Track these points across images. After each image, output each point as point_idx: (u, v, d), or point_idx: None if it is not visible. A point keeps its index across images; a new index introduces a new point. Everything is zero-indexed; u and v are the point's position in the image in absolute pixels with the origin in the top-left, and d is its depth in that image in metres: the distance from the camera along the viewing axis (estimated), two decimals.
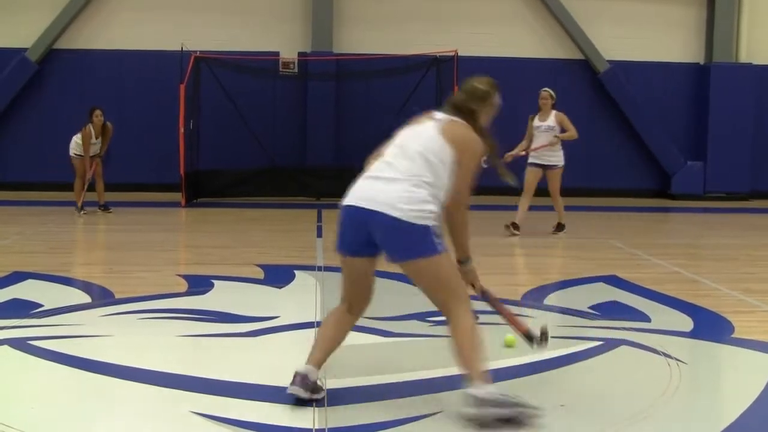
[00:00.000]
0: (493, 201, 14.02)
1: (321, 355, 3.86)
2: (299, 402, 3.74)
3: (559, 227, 9.99)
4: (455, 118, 3.86)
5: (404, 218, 3.57)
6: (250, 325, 5.22)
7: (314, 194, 13.69)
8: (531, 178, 9.99)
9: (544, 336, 4.14)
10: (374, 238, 3.67)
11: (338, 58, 14.65)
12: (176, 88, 12.60)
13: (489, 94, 3.94)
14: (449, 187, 3.71)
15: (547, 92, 10.11)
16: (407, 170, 3.68)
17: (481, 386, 3.51)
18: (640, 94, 15.20)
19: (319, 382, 3.84)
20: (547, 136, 9.93)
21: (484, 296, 4.13)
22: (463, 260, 3.95)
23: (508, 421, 3.48)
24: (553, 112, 10.00)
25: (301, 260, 7.69)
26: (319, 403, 3.78)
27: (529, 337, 4.14)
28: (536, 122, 10.04)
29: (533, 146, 10.01)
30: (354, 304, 3.93)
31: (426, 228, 3.60)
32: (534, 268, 7.64)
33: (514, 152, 10.01)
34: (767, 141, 15.46)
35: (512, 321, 4.19)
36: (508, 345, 4.81)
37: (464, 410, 3.53)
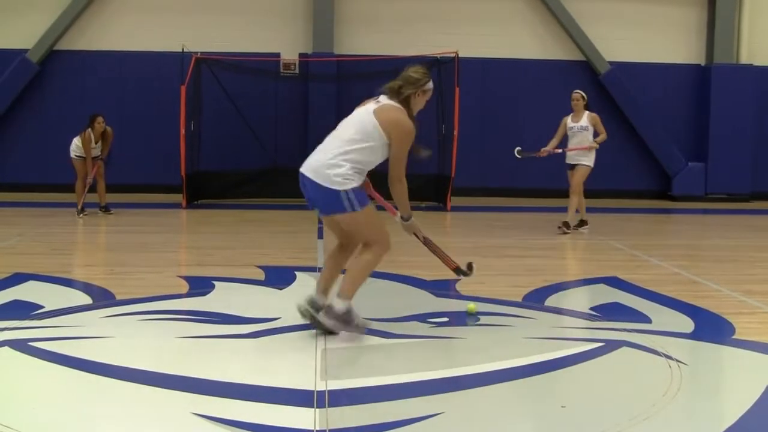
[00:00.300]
0: (493, 203, 14.05)
1: (325, 284, 5.05)
2: (300, 402, 3.74)
3: (566, 225, 10.05)
4: (392, 102, 4.75)
5: (321, 182, 4.65)
6: (251, 327, 5.22)
7: None
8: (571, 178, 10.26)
9: (469, 267, 5.29)
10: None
11: (339, 59, 14.65)
12: (177, 90, 12.61)
13: (421, 81, 4.76)
14: (386, 159, 4.72)
15: (578, 93, 10.26)
16: (334, 145, 4.70)
17: (343, 302, 4.71)
18: (641, 95, 15.21)
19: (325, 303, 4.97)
20: (580, 135, 10.09)
21: (426, 242, 5.21)
22: (405, 217, 4.95)
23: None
24: (586, 112, 10.10)
25: (302, 262, 7.69)
26: (320, 404, 3.78)
27: (458, 271, 5.31)
28: (569, 122, 10.20)
29: (569, 146, 10.17)
30: (343, 244, 5.07)
31: (337, 192, 4.62)
32: (535, 270, 7.64)
33: (548, 148, 10.25)
34: None
35: (444, 260, 5.33)
36: (471, 311, 5.63)
37: (322, 317, 4.71)
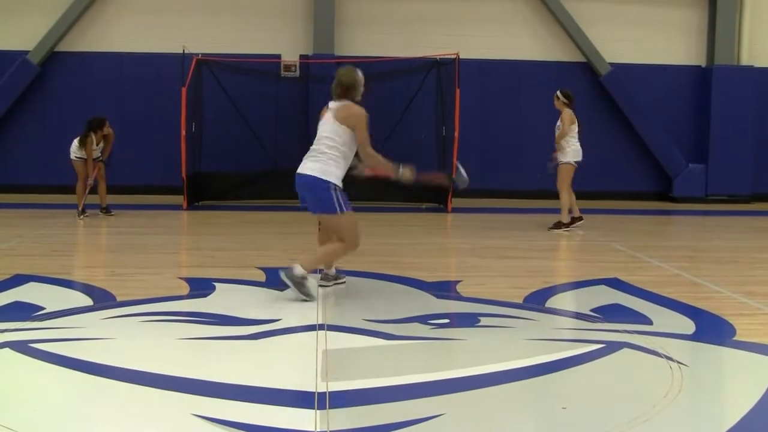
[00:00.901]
0: (493, 204, 14.05)
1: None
2: (302, 403, 3.75)
3: (572, 220, 10.35)
4: (342, 101, 6.20)
5: (317, 175, 5.90)
6: (252, 328, 5.22)
7: None
8: None
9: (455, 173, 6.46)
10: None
11: (340, 60, 14.62)
12: (178, 91, 12.61)
13: (356, 79, 6.34)
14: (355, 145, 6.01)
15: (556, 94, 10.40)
16: (317, 150, 6.03)
17: (302, 270, 5.84)
18: (642, 96, 15.19)
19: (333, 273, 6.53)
20: (557, 134, 10.35)
21: (418, 178, 6.20)
22: (397, 173, 6.10)
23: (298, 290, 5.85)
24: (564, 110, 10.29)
25: None
26: (321, 405, 3.79)
27: (449, 179, 6.60)
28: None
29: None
30: (324, 229, 6.32)
31: (329, 195, 5.89)
32: (536, 271, 7.64)
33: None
34: None
35: (434, 178, 6.73)
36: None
37: (282, 272, 5.89)
